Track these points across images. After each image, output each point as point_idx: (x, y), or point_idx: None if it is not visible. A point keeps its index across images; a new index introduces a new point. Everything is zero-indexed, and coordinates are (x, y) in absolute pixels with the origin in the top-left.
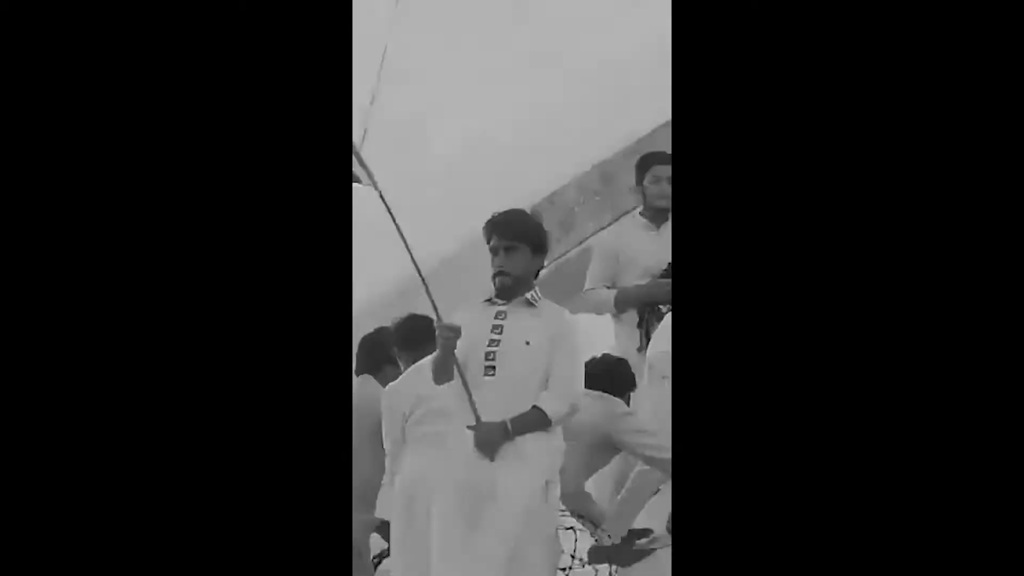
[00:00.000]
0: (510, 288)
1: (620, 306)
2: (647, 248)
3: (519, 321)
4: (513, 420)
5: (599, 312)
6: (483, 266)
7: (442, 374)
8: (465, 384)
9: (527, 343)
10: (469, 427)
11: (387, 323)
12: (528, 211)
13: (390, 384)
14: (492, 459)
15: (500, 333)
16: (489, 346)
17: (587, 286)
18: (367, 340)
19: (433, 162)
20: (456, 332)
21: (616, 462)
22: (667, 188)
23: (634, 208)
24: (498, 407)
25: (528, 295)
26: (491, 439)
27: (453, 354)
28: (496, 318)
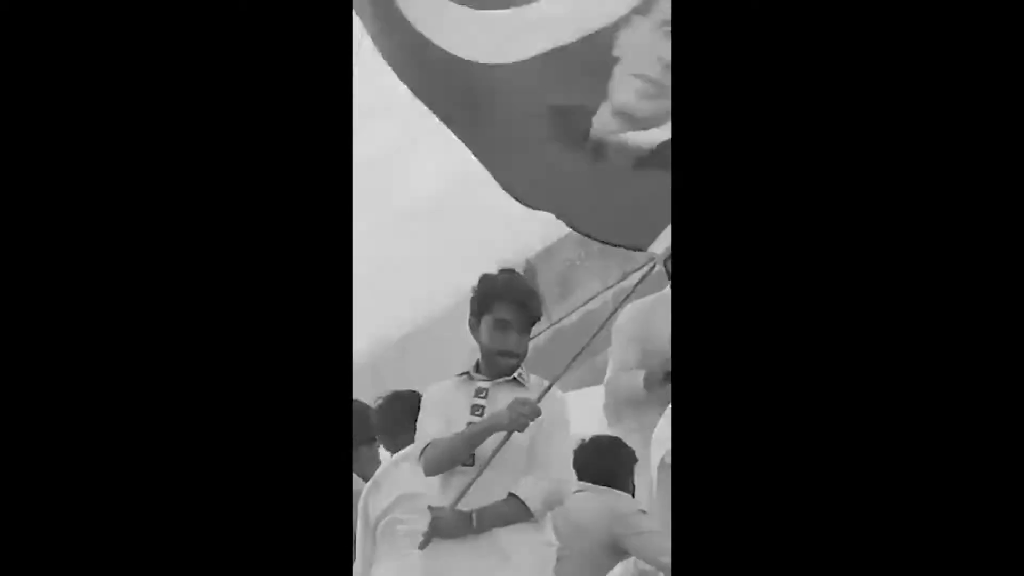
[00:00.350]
0: (511, 371)
1: (651, 386)
2: None
3: (503, 401)
4: (481, 511)
5: (631, 400)
6: (461, 330)
7: (456, 459)
8: (481, 470)
9: None
10: (430, 507)
11: (359, 395)
12: (522, 269)
13: (373, 476)
14: (421, 548)
15: (481, 414)
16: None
17: (609, 372)
18: None
19: (408, 204)
20: (538, 414)
21: (630, 571)
22: None
23: (646, 265)
24: (479, 502)
25: (515, 372)
26: (441, 528)
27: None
28: (476, 396)
